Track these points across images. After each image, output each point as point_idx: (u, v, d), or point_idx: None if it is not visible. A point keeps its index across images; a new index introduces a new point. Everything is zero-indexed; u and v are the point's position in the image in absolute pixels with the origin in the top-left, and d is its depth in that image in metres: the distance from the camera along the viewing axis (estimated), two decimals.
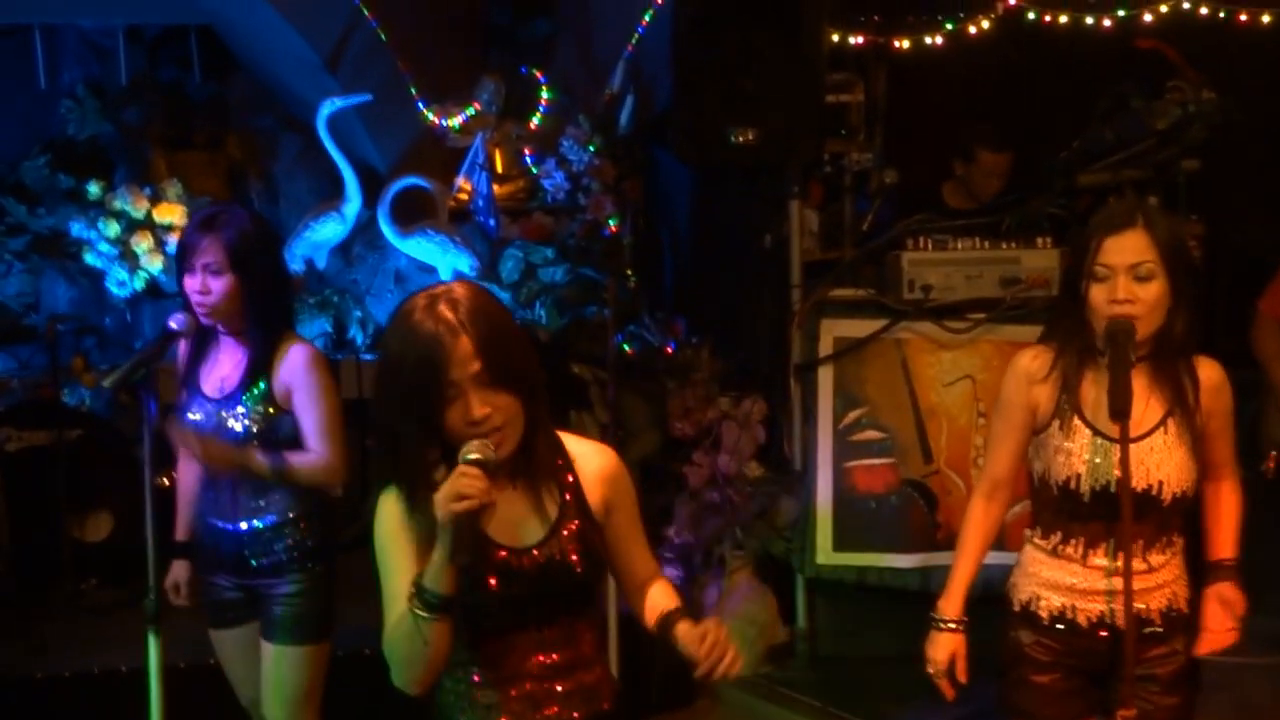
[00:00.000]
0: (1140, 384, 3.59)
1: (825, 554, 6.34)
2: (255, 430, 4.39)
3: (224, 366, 4.46)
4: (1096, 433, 3.63)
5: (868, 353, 6.25)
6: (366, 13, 8.56)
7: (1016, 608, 3.80)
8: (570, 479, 3.08)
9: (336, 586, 4.61)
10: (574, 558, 3.01)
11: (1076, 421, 3.66)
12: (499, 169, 8.78)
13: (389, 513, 2.95)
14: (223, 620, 4.64)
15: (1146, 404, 3.62)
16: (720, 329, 7.14)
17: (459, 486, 2.76)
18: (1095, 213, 3.86)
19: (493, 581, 2.95)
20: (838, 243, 7.29)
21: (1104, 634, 3.66)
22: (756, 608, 6.43)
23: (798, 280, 6.53)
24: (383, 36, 8.66)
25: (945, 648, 3.85)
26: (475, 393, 2.84)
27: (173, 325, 4.39)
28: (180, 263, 4.41)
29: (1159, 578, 3.68)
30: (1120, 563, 3.56)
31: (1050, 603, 3.73)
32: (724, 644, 2.92)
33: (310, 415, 4.41)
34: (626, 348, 7.35)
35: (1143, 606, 3.64)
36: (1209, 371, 3.70)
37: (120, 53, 9.40)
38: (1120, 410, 3.44)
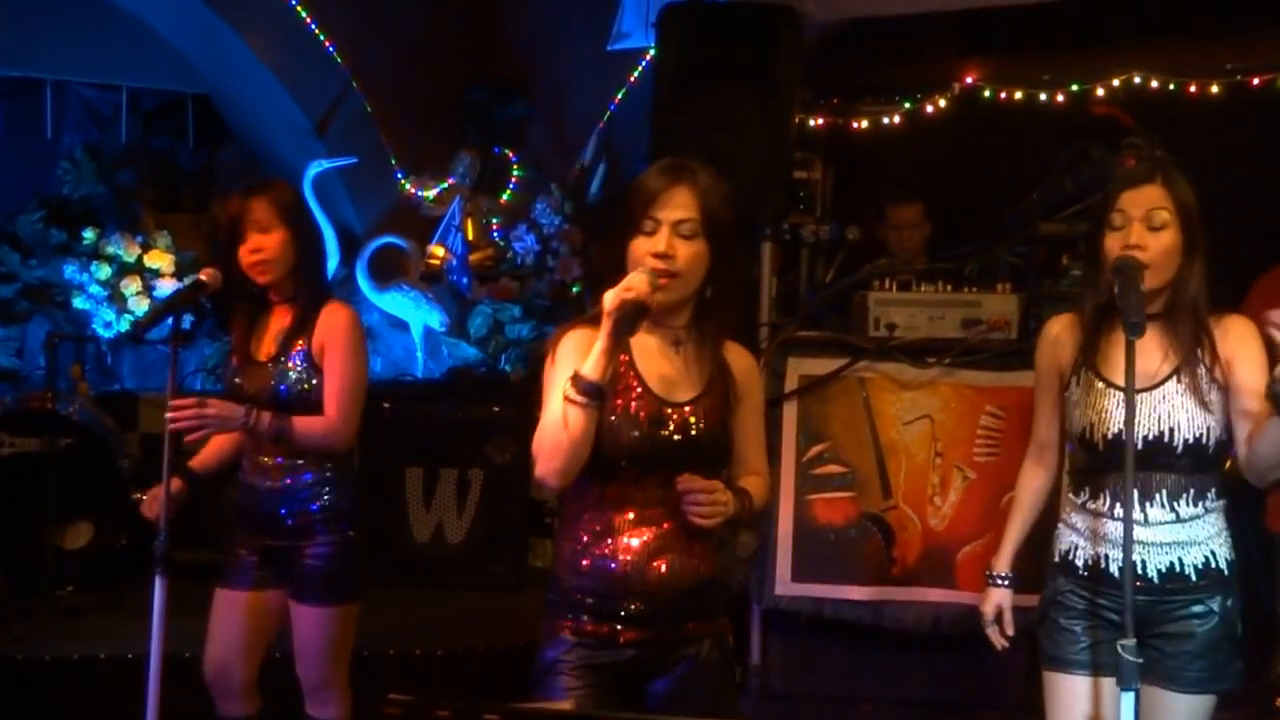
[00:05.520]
0: (1154, 339, 3.32)
1: (783, 584, 6.00)
2: (301, 390, 4.06)
3: (273, 332, 4.15)
4: (1109, 384, 3.38)
5: (831, 390, 5.97)
6: (355, 84, 8.47)
7: (1056, 558, 3.55)
8: (723, 363, 3.17)
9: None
10: (706, 425, 3.08)
11: (1089, 375, 3.42)
12: (470, 237, 8.60)
13: (570, 344, 3.04)
14: (235, 583, 4.19)
15: (1162, 358, 3.36)
16: None
17: (628, 280, 2.88)
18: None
19: (643, 421, 3.01)
20: (792, 310, 7.06)
21: (1136, 584, 3.31)
22: None
23: (767, 318, 6.29)
24: (369, 108, 8.55)
25: (993, 601, 3.76)
26: (673, 235, 2.98)
27: (202, 277, 4.09)
28: (232, 235, 4.11)
29: (1191, 532, 3.37)
30: (1144, 514, 3.34)
31: (1086, 552, 3.46)
32: (715, 499, 2.98)
33: (334, 375, 4.08)
34: None
35: (1175, 560, 3.36)
36: (1230, 323, 3.41)
37: (122, 120, 9.23)
38: (1136, 323, 3.11)
